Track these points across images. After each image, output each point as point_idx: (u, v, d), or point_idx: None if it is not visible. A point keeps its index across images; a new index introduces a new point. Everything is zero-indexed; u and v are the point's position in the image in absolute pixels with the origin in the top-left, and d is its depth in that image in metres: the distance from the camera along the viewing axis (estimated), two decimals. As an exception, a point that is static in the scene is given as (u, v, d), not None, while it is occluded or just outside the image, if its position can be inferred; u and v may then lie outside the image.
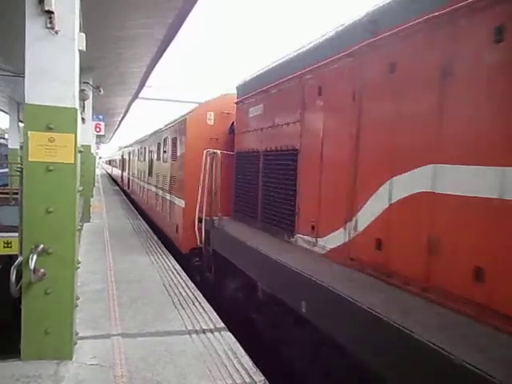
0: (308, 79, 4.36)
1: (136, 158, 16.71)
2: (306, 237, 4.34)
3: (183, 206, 7.45)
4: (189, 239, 7.07)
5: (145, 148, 13.75)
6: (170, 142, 9.08)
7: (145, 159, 13.68)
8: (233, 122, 7.00)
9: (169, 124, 9.57)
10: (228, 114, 7.22)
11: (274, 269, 3.94)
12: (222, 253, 5.83)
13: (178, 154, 8.11)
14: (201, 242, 6.78)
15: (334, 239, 3.77)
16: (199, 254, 7.06)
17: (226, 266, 5.64)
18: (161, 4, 6.60)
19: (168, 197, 9.18)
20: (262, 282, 4.66)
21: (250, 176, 5.85)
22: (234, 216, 6.51)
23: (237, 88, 6.59)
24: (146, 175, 13.11)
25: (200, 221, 6.76)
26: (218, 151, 6.42)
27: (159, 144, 10.58)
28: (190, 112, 7.81)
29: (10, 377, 3.08)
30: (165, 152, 9.78)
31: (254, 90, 5.77)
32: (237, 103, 6.54)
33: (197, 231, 6.79)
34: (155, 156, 11.32)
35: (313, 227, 4.18)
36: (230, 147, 6.78)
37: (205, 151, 6.58)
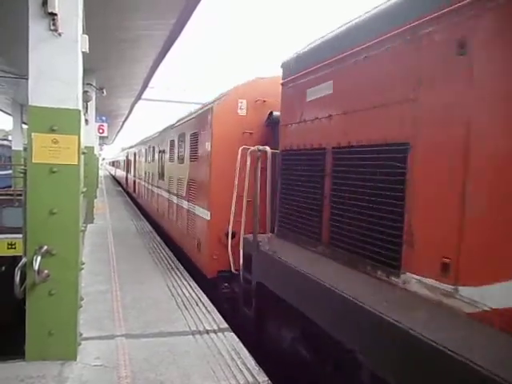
0: (432, 33, 2.82)
1: (143, 159, 15.31)
2: (428, 280, 2.70)
3: (208, 218, 5.91)
4: (216, 260, 5.72)
5: (153, 147, 12.31)
6: (187, 138, 7.48)
7: (154, 160, 12.21)
8: (271, 112, 5.59)
9: (186, 117, 8.06)
10: (264, 101, 5.80)
11: (403, 345, 2.35)
12: (273, 289, 4.11)
13: (200, 152, 6.53)
14: (236, 266, 5.23)
15: (507, 294, 2.15)
16: (229, 279, 5.65)
17: (280, 306, 3.99)
18: (163, 5, 6.61)
19: (185, 205, 7.56)
20: (372, 362, 2.76)
21: (307, 181, 4.16)
22: (280, 233, 4.63)
23: (283, 65, 4.86)
24: (156, 178, 11.52)
25: (232, 236, 5.36)
26: (268, 148, 4.81)
27: (173, 142, 9.05)
28: (216, 100, 6.28)
29: (14, 377, 3.09)
30: (181, 151, 8.17)
31: (316, 63, 4.12)
32: (284, 84, 4.79)
33: (230, 253, 5.27)
34: (167, 156, 9.78)
35: (445, 265, 2.61)
36: (268, 143, 5.19)
37: (240, 149, 5.11)
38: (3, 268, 8.92)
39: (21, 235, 3.57)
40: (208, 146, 6.00)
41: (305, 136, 4.28)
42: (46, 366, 3.27)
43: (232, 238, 5.32)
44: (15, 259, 7.75)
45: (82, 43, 3.42)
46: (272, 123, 5.55)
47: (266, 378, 3.32)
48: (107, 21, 7.22)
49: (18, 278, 3.06)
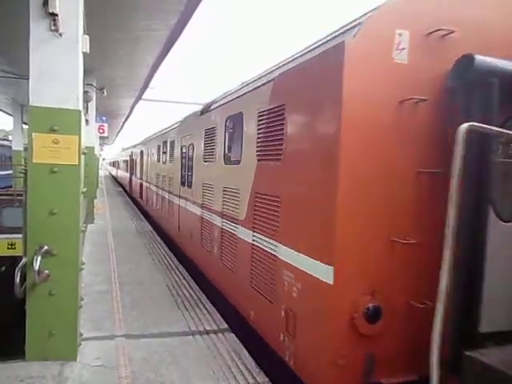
0: None
1: (154, 159, 12.30)
2: None
3: (329, 280, 2.87)
4: (343, 367, 2.81)
5: (171, 143, 9.51)
6: (249, 122, 4.53)
7: (172, 159, 9.35)
8: (467, 57, 2.70)
9: (246, 84, 5.11)
10: (448, 35, 2.91)
11: None
12: None
13: (292, 144, 3.55)
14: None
15: None
16: None
17: None
18: (164, 6, 6.62)
19: (245, 236, 4.46)
20: None
21: None
22: None
23: None
24: (177, 185, 8.61)
25: (375, 318, 2.81)
26: None
27: (211, 132, 6.06)
28: (347, 28, 3.24)
29: (14, 377, 3.09)
30: (230, 145, 5.36)
31: None
32: None
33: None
34: (198, 153, 6.80)
35: None
36: (455, 120, 2.58)
37: (464, 127, 2.31)
38: (3, 268, 8.93)
39: (21, 235, 3.57)
40: (324, 128, 3.10)
41: None
42: (46, 366, 3.27)
43: (374, 323, 2.80)
44: (15, 259, 7.76)
45: (83, 43, 3.43)
46: (467, 80, 2.74)
47: (267, 379, 3.33)
48: (108, 21, 7.22)
49: (18, 278, 3.06)
